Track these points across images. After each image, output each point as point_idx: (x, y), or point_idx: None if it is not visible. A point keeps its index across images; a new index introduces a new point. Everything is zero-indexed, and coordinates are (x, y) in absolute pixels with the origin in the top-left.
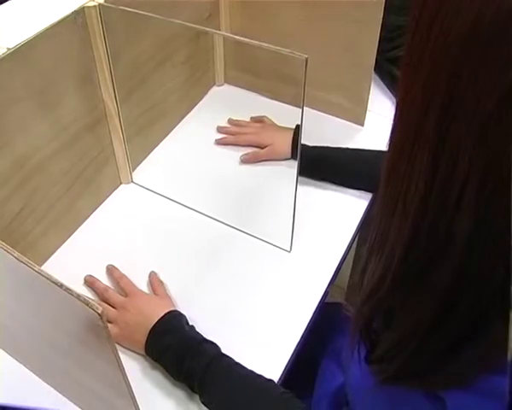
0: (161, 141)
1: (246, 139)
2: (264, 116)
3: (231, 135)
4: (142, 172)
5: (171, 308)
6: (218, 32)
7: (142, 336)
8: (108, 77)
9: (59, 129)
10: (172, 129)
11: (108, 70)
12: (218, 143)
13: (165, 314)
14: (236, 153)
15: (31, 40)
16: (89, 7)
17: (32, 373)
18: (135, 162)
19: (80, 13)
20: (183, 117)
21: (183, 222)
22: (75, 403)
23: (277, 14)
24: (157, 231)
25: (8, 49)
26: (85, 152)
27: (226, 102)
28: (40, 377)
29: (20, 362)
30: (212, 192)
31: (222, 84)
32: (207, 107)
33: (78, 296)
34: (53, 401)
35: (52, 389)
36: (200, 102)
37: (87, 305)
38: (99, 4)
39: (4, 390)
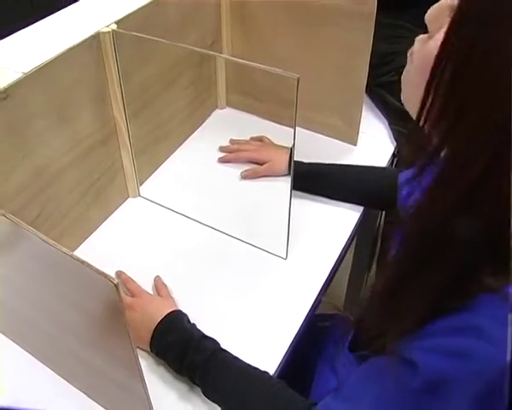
0: (167, 159)
1: (245, 156)
2: (263, 136)
3: (232, 153)
4: (149, 186)
5: (174, 308)
6: (220, 55)
7: (147, 334)
8: (119, 96)
9: (74, 142)
10: (177, 148)
11: (119, 90)
12: (220, 161)
13: (168, 313)
14: (237, 170)
15: (52, 61)
16: (103, 32)
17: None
18: (142, 177)
19: (96, 37)
20: (187, 137)
21: (187, 232)
22: (85, 392)
23: (275, 42)
24: (162, 240)
25: (24, 73)
26: (96, 165)
27: (228, 124)
28: (48, 366)
29: (29, 351)
30: (214, 205)
31: (224, 108)
32: (210, 128)
33: (97, 270)
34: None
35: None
36: (204, 124)
37: (105, 277)
38: (112, 30)
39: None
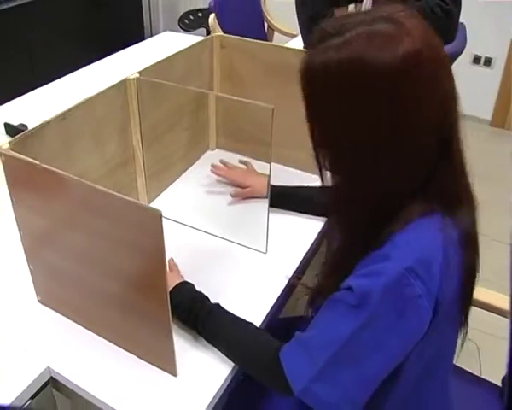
0: (170, 184)
1: (233, 178)
2: (248, 161)
3: (223, 171)
4: (156, 204)
5: (183, 280)
6: (211, 92)
7: None
8: (138, 130)
9: (103, 161)
10: (179, 177)
11: (138, 125)
12: (213, 171)
13: (179, 283)
14: (226, 195)
15: (92, 97)
16: (129, 79)
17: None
18: (151, 198)
19: (123, 83)
20: (185, 170)
21: (189, 237)
22: (121, 345)
23: (256, 94)
24: (167, 242)
25: (42, 122)
26: (117, 182)
27: (217, 161)
28: (89, 328)
29: (71, 317)
30: (209, 217)
31: (214, 149)
32: (203, 165)
33: (143, 206)
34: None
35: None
36: (198, 161)
37: (149, 209)
38: (136, 78)
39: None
